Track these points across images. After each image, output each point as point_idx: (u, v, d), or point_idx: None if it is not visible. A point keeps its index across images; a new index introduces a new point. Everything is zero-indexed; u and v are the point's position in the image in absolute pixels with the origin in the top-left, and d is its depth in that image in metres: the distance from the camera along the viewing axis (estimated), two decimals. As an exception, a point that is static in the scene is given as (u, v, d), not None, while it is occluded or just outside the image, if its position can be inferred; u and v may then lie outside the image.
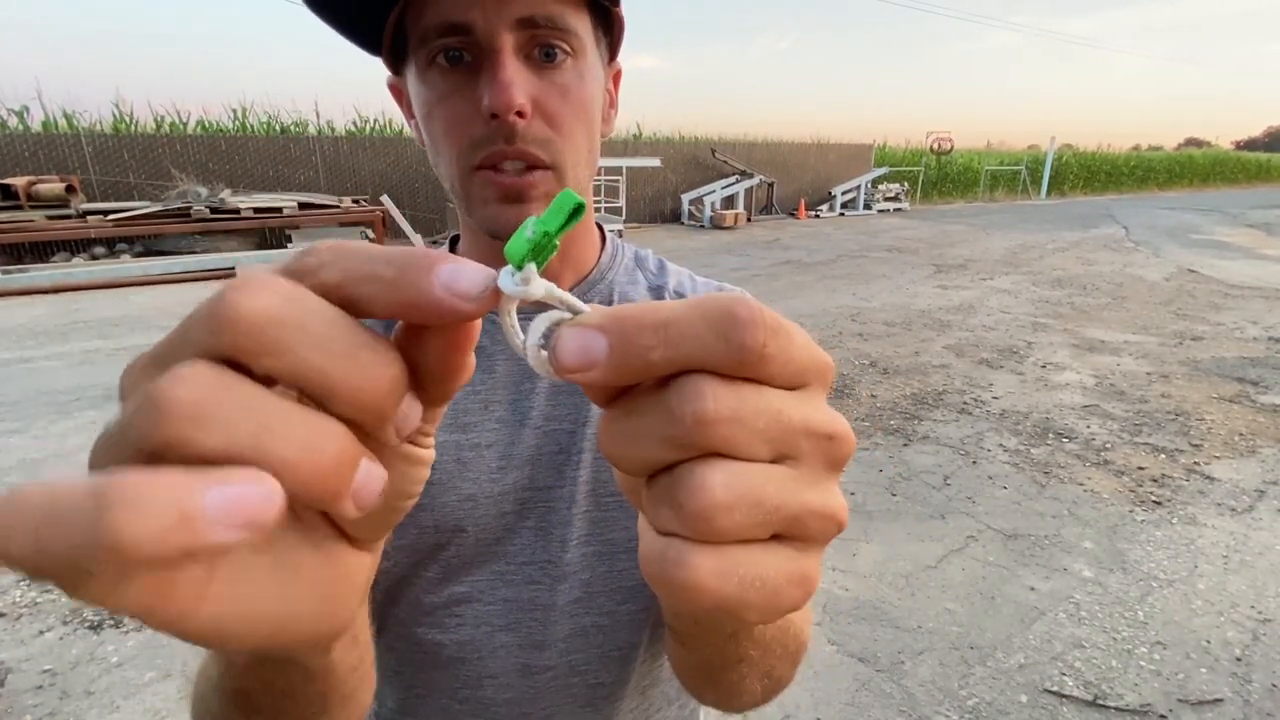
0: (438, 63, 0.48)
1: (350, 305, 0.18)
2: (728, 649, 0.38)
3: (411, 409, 0.19)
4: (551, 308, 0.20)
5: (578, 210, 0.19)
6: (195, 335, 0.17)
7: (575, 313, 0.20)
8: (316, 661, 0.28)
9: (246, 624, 0.19)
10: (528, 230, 0.19)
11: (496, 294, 0.19)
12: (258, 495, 0.15)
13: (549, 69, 0.48)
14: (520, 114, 0.46)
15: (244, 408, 0.16)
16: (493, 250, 0.57)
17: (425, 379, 0.20)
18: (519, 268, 0.19)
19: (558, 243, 0.20)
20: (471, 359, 0.21)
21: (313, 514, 0.21)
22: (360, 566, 0.23)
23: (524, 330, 0.20)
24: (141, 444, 0.15)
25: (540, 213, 0.20)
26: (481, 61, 0.47)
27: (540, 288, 0.19)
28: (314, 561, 0.21)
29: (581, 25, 0.49)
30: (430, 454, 0.24)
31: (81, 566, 0.14)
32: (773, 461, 0.19)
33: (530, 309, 0.20)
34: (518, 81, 0.46)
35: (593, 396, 0.20)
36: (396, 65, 0.53)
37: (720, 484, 0.17)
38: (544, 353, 0.19)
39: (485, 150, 0.48)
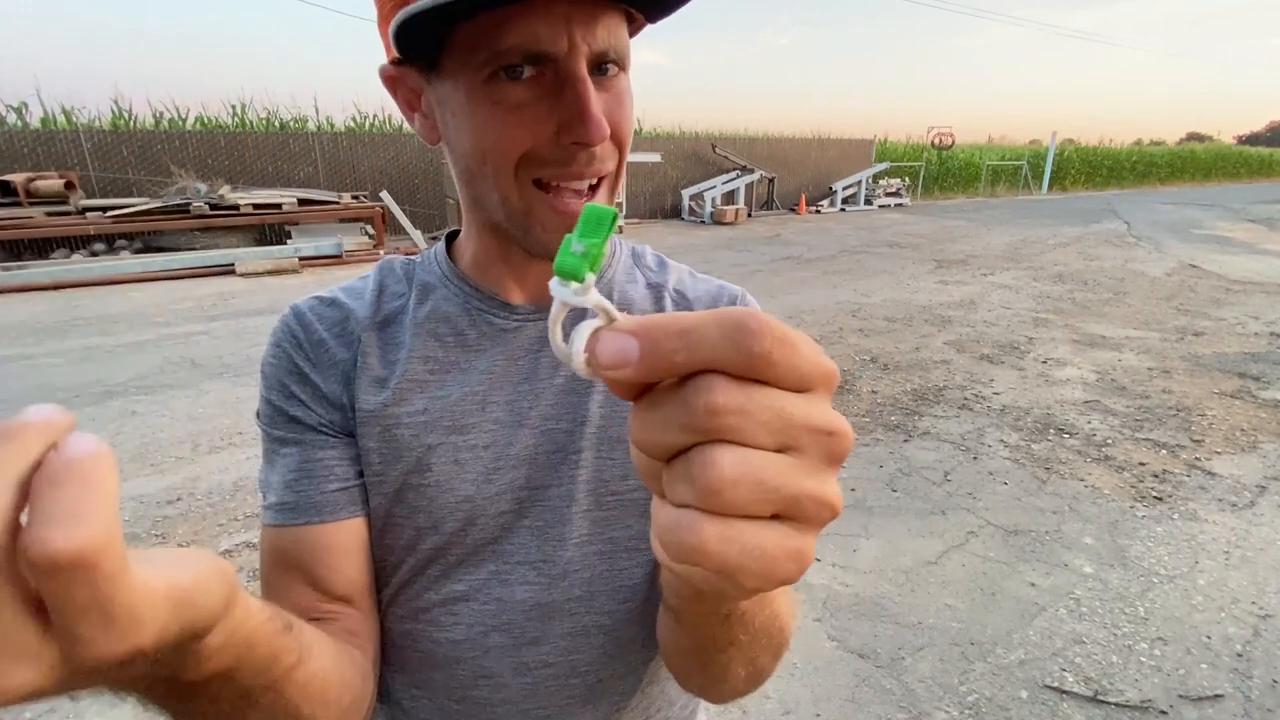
0: (499, 76, 0.46)
1: None
2: (720, 632, 0.39)
3: None
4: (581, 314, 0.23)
5: (614, 219, 0.23)
6: None
7: (611, 318, 0.23)
8: (202, 666, 0.30)
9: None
10: (574, 246, 0.23)
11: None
12: None
13: (606, 81, 0.49)
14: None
15: None
16: (502, 251, 0.56)
17: None
18: (580, 280, 0.22)
19: (605, 250, 0.23)
20: None
21: None
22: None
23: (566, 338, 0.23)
24: None
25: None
26: (551, 81, 0.47)
27: (595, 295, 0.23)
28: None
29: (628, 42, 0.50)
30: None
31: None
32: (777, 450, 0.21)
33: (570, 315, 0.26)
34: (602, 112, 0.47)
35: (621, 393, 0.23)
36: (416, 62, 0.50)
37: (729, 463, 0.20)
38: (585, 355, 0.22)
39: (558, 170, 0.48)
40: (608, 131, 0.47)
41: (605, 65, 0.48)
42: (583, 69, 0.46)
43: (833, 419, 0.22)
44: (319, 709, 0.41)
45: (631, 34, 0.55)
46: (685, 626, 0.41)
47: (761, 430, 0.21)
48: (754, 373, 0.21)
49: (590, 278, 0.22)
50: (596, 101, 0.46)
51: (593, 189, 0.50)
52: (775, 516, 0.22)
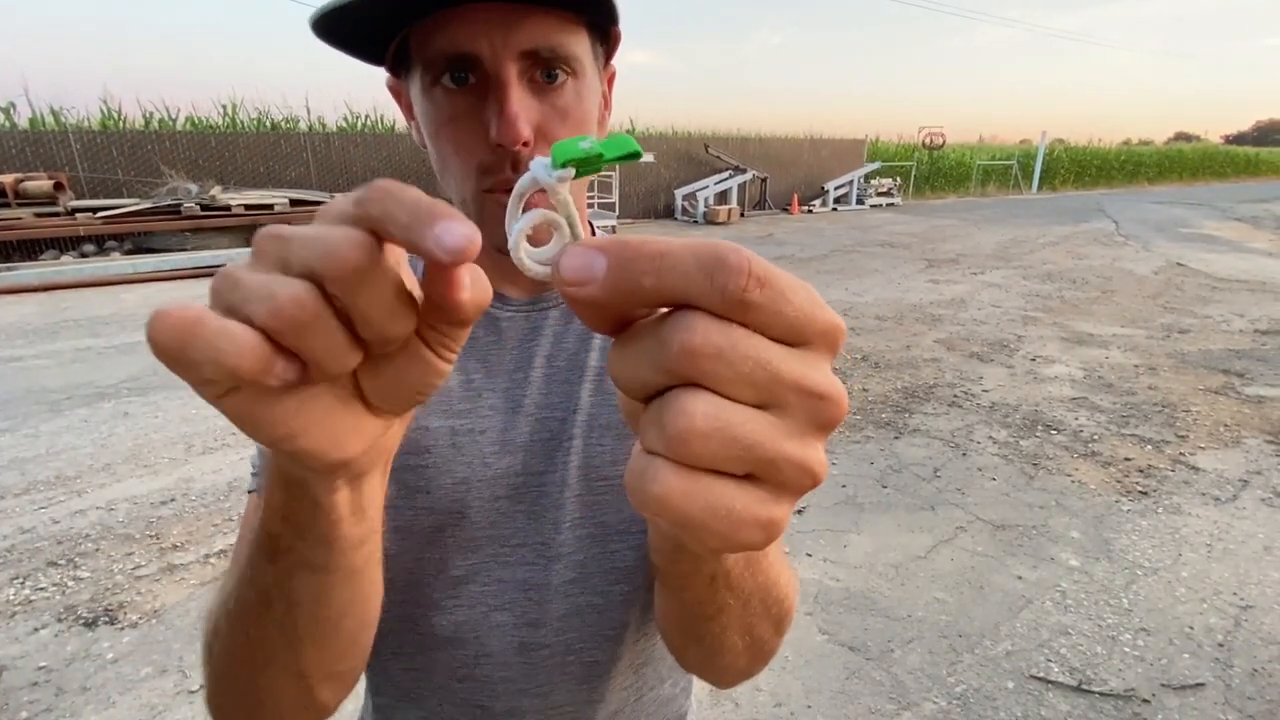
0: (443, 84, 0.49)
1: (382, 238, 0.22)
2: (707, 596, 0.40)
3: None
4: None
5: (635, 155, 0.22)
6: (308, 260, 0.23)
7: (574, 231, 0.23)
8: (323, 493, 0.31)
9: (302, 433, 0.25)
10: (584, 142, 0.21)
11: (472, 252, 0.21)
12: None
13: (551, 91, 0.50)
14: (525, 143, 0.48)
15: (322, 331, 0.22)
16: (488, 254, 0.59)
17: (438, 305, 0.24)
18: (561, 166, 0.22)
19: (602, 168, 0.22)
20: (460, 297, 0.23)
21: (346, 381, 0.26)
22: (370, 424, 0.28)
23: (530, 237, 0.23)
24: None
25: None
26: (486, 86, 0.48)
27: (566, 190, 0.22)
28: (335, 405, 0.26)
29: (581, 48, 0.51)
30: (446, 367, 0.27)
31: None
32: (758, 406, 0.20)
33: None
34: (523, 114, 0.47)
35: (595, 322, 0.21)
36: (398, 71, 0.54)
37: (701, 413, 0.19)
38: (535, 263, 0.22)
39: (494, 176, 0.50)
40: (524, 133, 0.47)
41: (553, 72, 0.49)
42: (507, 70, 0.47)
43: (825, 381, 0.20)
44: (360, 624, 0.41)
45: (610, 42, 0.57)
46: (673, 590, 0.42)
47: (742, 381, 0.19)
48: (732, 313, 0.19)
49: (569, 170, 0.22)
50: (520, 101, 0.48)
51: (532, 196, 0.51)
52: (749, 476, 0.20)
